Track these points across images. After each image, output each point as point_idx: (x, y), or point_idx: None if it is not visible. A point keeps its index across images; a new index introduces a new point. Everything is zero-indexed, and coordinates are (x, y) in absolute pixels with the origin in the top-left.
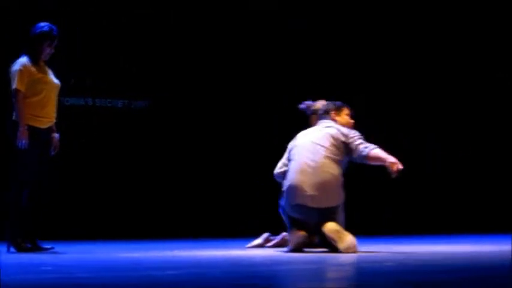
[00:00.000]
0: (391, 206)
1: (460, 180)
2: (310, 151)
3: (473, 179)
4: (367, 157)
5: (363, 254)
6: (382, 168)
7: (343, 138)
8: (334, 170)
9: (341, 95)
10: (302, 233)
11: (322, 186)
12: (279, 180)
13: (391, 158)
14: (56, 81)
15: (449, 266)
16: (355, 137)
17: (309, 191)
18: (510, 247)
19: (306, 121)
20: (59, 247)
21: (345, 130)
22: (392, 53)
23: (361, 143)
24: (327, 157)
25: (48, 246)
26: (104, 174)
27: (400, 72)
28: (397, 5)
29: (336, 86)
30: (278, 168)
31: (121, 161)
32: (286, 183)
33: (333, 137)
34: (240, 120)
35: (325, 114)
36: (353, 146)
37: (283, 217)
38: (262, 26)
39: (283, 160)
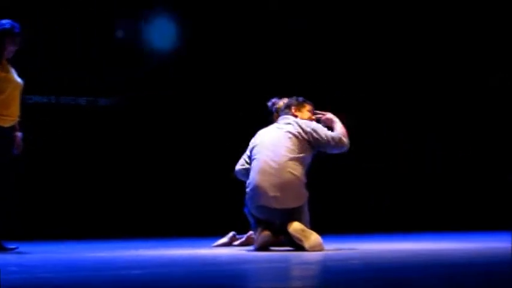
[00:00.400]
0: (391, 205)
1: (460, 180)
2: (271, 150)
3: (473, 179)
4: (341, 140)
5: (330, 252)
6: (382, 168)
7: (305, 136)
8: (296, 170)
9: (341, 94)
10: (267, 233)
11: (285, 187)
12: (239, 177)
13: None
14: (19, 80)
15: (413, 263)
16: (319, 132)
17: (272, 192)
18: (484, 244)
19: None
20: (23, 247)
21: (305, 125)
22: (392, 53)
23: (329, 134)
24: (289, 157)
25: (12, 246)
26: (67, 172)
27: (400, 73)
28: (397, 5)
29: (335, 86)
30: (239, 165)
31: (85, 159)
32: (249, 184)
33: (294, 135)
34: (206, 118)
35: (286, 109)
36: (323, 140)
37: (248, 216)
38: (262, 26)
39: (244, 157)
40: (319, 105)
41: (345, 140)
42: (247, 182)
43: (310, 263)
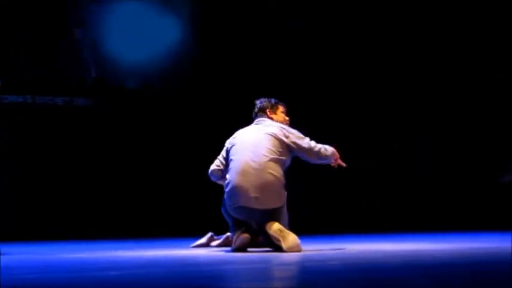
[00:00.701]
0: (382, 206)
1: (451, 180)
2: (251, 151)
3: (463, 179)
4: (326, 155)
5: (308, 253)
6: (372, 168)
7: (286, 140)
8: (276, 171)
9: (332, 94)
10: (246, 235)
11: (265, 188)
12: (213, 178)
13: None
14: None
15: (393, 264)
16: (302, 139)
17: (252, 192)
18: (463, 244)
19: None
20: (2, 248)
21: (288, 130)
22: (383, 54)
23: (315, 145)
24: (269, 158)
25: None
26: (44, 173)
27: (391, 73)
28: (393, 6)
29: (325, 86)
30: (214, 166)
31: (62, 159)
32: (227, 184)
33: (275, 137)
34: (186, 119)
35: (260, 112)
36: (304, 152)
37: (226, 217)
38: (262, 26)
39: (220, 158)
40: (310, 105)
41: (327, 153)
42: (226, 182)
43: (289, 263)
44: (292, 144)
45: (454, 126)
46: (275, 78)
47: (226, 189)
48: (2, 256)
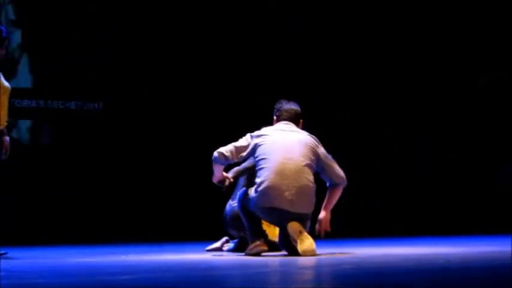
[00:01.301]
0: (381, 207)
1: (451, 181)
2: (287, 152)
3: (463, 179)
4: (335, 190)
5: (323, 256)
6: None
7: (317, 149)
8: (310, 177)
9: (332, 95)
10: (264, 246)
11: (301, 192)
12: (215, 161)
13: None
14: (6, 84)
15: (404, 268)
16: (332, 160)
17: (289, 195)
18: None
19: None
20: (12, 252)
21: (319, 142)
22: (384, 53)
23: (338, 170)
24: (305, 162)
25: (1, 252)
26: (57, 177)
27: (391, 73)
28: (393, 6)
29: (334, 85)
30: (224, 150)
31: (74, 163)
32: (260, 184)
33: (309, 144)
34: (196, 121)
35: (295, 117)
36: (328, 166)
37: (244, 217)
38: (262, 25)
39: (235, 146)
40: (310, 105)
41: (344, 177)
42: (258, 180)
43: (304, 267)
44: (321, 155)
45: (453, 126)
46: (275, 78)
47: (259, 188)
48: (12, 261)
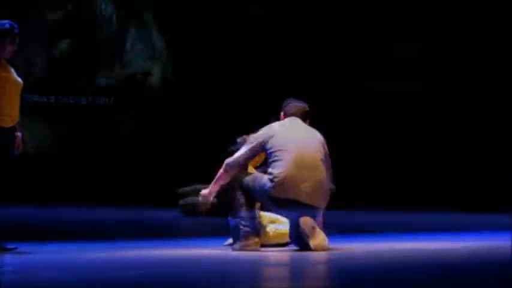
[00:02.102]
0: (381, 205)
1: (450, 180)
2: (303, 145)
3: (462, 178)
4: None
5: (334, 252)
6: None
7: (325, 148)
8: (325, 173)
9: (332, 94)
10: (253, 242)
11: (318, 186)
12: (228, 168)
13: None
14: (18, 79)
15: (414, 263)
16: (330, 164)
17: (307, 188)
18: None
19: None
20: (23, 247)
21: (326, 147)
22: (384, 54)
23: (331, 175)
24: (320, 157)
25: (12, 247)
26: (68, 171)
27: (391, 73)
28: (393, 6)
29: (334, 85)
30: (237, 161)
31: (85, 155)
32: (278, 174)
33: (320, 142)
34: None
35: (305, 114)
36: (326, 168)
37: (244, 199)
38: (263, 25)
39: (246, 153)
40: (310, 105)
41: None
42: (276, 171)
43: (320, 262)
44: (326, 155)
45: (453, 126)
46: (275, 78)
47: (276, 179)
48: (22, 255)
